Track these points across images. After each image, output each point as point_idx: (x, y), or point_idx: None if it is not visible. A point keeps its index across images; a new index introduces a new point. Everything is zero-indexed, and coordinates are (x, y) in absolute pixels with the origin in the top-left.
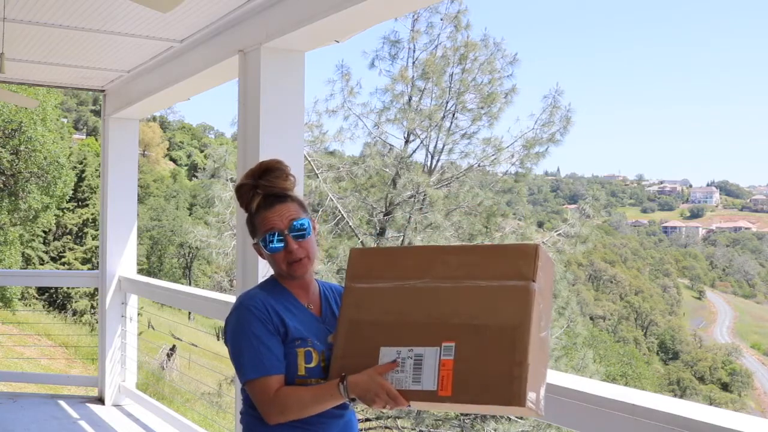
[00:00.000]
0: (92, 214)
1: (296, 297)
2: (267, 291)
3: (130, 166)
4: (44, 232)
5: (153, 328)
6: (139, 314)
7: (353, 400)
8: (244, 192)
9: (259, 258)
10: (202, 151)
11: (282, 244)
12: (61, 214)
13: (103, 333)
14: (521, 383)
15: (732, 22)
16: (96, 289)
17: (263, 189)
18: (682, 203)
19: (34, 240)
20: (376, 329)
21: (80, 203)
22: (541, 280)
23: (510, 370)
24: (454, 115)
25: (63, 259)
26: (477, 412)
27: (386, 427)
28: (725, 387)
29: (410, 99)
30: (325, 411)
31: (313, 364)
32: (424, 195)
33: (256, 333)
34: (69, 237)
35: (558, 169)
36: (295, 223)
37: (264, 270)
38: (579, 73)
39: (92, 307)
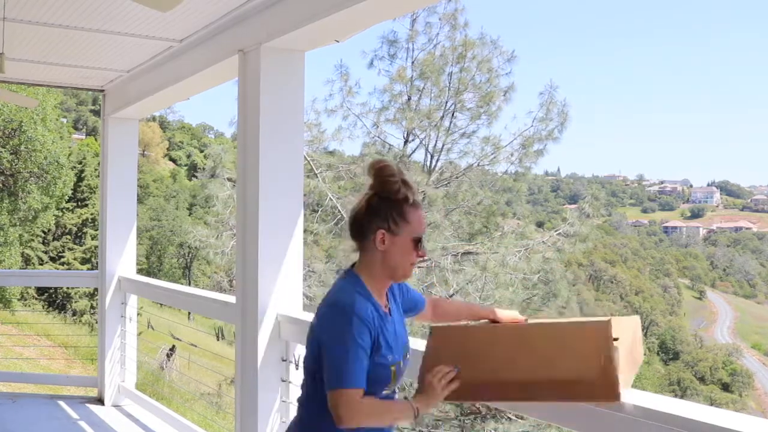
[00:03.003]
0: (92, 214)
1: (378, 302)
2: (366, 298)
3: (129, 166)
4: (44, 232)
5: (153, 329)
6: (138, 314)
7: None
8: (393, 177)
9: (259, 258)
10: (201, 151)
11: (421, 247)
12: (60, 214)
13: (103, 333)
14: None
15: (732, 22)
16: (95, 289)
17: (413, 190)
18: (683, 203)
19: (33, 240)
20: None
21: (80, 203)
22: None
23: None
24: (453, 114)
25: (62, 259)
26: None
27: None
28: (726, 387)
29: (409, 98)
30: None
31: (392, 380)
32: (424, 194)
33: (362, 345)
34: (68, 237)
35: (558, 169)
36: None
37: (264, 270)
38: (579, 72)
39: (92, 307)
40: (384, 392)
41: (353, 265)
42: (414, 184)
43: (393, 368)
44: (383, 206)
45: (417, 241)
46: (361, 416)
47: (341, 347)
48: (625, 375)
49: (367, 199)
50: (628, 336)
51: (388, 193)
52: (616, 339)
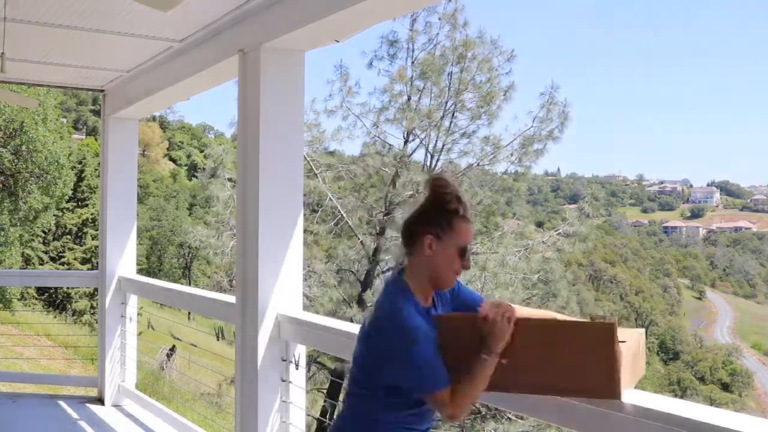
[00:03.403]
0: (92, 214)
1: (422, 303)
2: (412, 305)
3: (129, 166)
4: (44, 232)
5: (153, 328)
6: (138, 314)
7: (503, 355)
8: (447, 189)
9: (259, 258)
10: (201, 151)
11: (465, 257)
12: (60, 214)
13: (103, 333)
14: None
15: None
16: (96, 289)
17: (465, 204)
18: (683, 203)
19: (33, 240)
20: None
21: (80, 203)
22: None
23: None
24: (453, 114)
25: (63, 259)
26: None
27: None
28: (726, 387)
29: (409, 98)
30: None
31: None
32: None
33: (430, 343)
34: (69, 237)
35: (558, 169)
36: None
37: (264, 270)
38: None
39: (92, 307)
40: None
41: (402, 270)
42: (467, 201)
43: None
44: (434, 214)
45: (462, 251)
46: (462, 404)
47: (424, 354)
48: (626, 379)
49: (420, 206)
50: (632, 345)
51: (440, 203)
52: (622, 341)
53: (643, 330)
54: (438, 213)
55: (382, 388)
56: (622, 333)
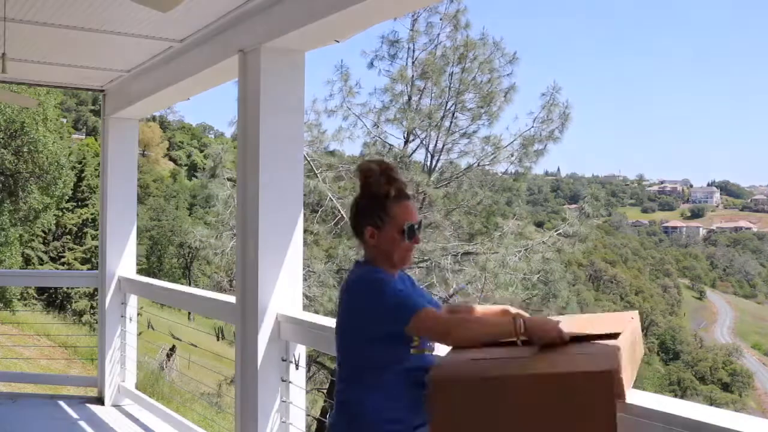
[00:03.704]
0: (92, 214)
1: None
2: (388, 274)
3: (129, 166)
4: (44, 232)
5: (153, 329)
6: (138, 314)
7: (523, 340)
8: (376, 175)
9: (259, 258)
10: (201, 151)
11: (413, 236)
12: (60, 214)
13: (103, 333)
14: None
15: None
16: (95, 289)
17: (397, 181)
18: (683, 203)
19: (33, 240)
20: None
21: (80, 203)
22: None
23: None
24: (453, 114)
25: (63, 259)
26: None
27: None
28: (726, 387)
29: (410, 98)
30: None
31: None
32: (424, 194)
33: (401, 288)
34: (69, 237)
35: (558, 169)
36: (420, 220)
37: (264, 270)
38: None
39: (92, 307)
40: (412, 352)
41: (364, 262)
42: (398, 176)
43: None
44: (368, 205)
45: (406, 230)
46: (455, 322)
47: (390, 295)
48: (627, 374)
49: (355, 201)
50: (628, 335)
51: (370, 192)
52: (616, 333)
53: (635, 312)
54: (371, 202)
55: (368, 358)
56: (614, 321)
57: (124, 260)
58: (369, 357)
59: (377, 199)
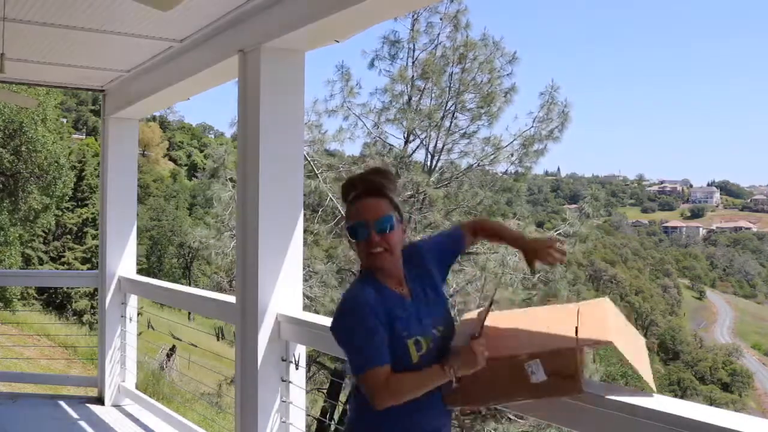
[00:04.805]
0: (92, 214)
1: (388, 286)
2: (368, 285)
3: (129, 166)
4: (44, 232)
5: (153, 328)
6: (139, 314)
7: (458, 379)
8: (346, 185)
9: (259, 258)
10: (201, 151)
11: (365, 235)
12: (60, 213)
13: (103, 333)
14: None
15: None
16: (95, 289)
17: (363, 184)
18: (683, 203)
19: (34, 240)
20: None
21: (80, 203)
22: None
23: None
24: (453, 114)
25: (63, 259)
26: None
27: None
28: (726, 387)
29: (410, 99)
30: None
31: (424, 351)
32: (424, 194)
33: (369, 326)
34: (69, 237)
35: (558, 169)
36: (381, 217)
37: (264, 270)
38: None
39: (92, 307)
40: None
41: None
42: (360, 178)
43: (410, 342)
44: (345, 215)
45: (354, 232)
46: (388, 392)
47: (353, 336)
48: (641, 366)
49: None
50: (612, 324)
51: (345, 203)
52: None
53: (604, 299)
54: (346, 211)
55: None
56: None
57: (124, 260)
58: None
59: (347, 207)
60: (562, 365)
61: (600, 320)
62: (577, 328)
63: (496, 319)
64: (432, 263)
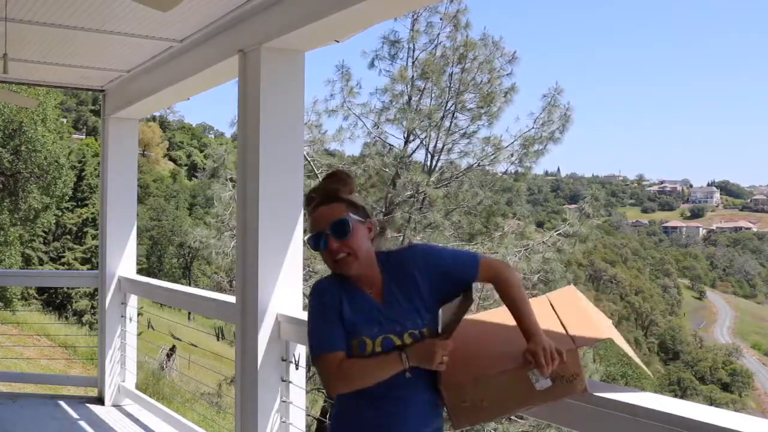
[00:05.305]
0: (92, 214)
1: (356, 285)
2: (334, 277)
3: (129, 166)
4: (44, 232)
5: (153, 329)
6: (139, 314)
7: (413, 368)
8: (306, 198)
9: (259, 258)
10: (201, 151)
11: (323, 244)
12: (60, 214)
13: (103, 333)
14: None
15: (733, 23)
16: (95, 289)
17: (318, 193)
18: (683, 203)
19: (34, 240)
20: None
21: (80, 203)
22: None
23: None
24: (453, 114)
25: (63, 259)
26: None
27: None
28: (726, 387)
29: (410, 99)
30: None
31: (366, 353)
32: (424, 195)
33: (322, 313)
34: (69, 237)
35: (558, 169)
36: (333, 223)
37: (264, 270)
38: (580, 72)
39: (92, 307)
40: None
41: None
42: (315, 189)
43: (355, 343)
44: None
45: (312, 242)
46: (340, 378)
47: (310, 321)
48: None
49: None
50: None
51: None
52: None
53: (569, 287)
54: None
55: None
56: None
57: (124, 260)
58: None
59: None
60: (565, 367)
61: (583, 316)
62: (565, 328)
63: (476, 320)
64: (422, 272)
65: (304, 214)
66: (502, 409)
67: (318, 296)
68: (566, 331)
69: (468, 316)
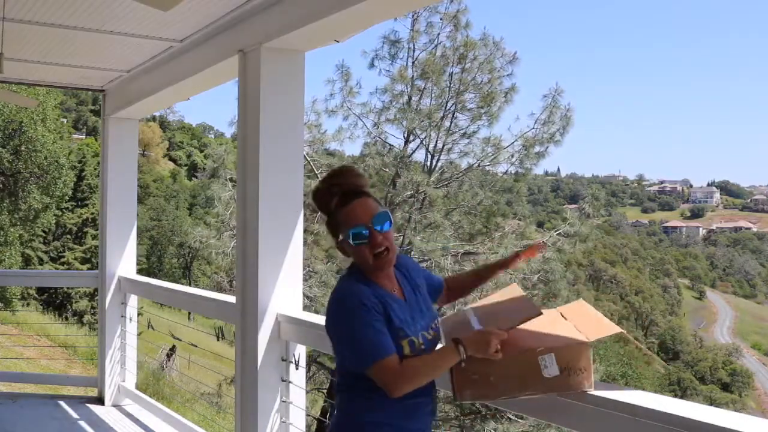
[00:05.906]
0: (92, 214)
1: (383, 287)
2: (360, 282)
3: (129, 166)
4: (44, 232)
5: (153, 329)
6: (139, 314)
7: (469, 357)
8: (321, 195)
9: (259, 258)
10: (201, 151)
11: (367, 238)
12: (60, 213)
13: (103, 333)
14: None
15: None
16: (95, 289)
17: (340, 188)
18: (683, 203)
19: (34, 240)
20: None
21: (80, 203)
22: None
23: None
24: (453, 114)
25: (62, 259)
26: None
27: None
28: (726, 387)
29: (410, 99)
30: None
31: (416, 351)
32: (424, 195)
33: (370, 320)
34: (68, 237)
35: (558, 169)
36: (377, 215)
37: (264, 270)
38: (580, 72)
39: (92, 307)
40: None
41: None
42: (342, 180)
43: (405, 342)
44: (328, 224)
45: (356, 236)
46: (405, 379)
47: (354, 331)
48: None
49: (325, 222)
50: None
51: (326, 213)
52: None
53: (580, 301)
54: (328, 221)
55: (353, 376)
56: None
57: (124, 260)
58: (343, 365)
59: (329, 216)
60: (576, 360)
61: (594, 318)
62: (577, 329)
63: (495, 302)
64: (420, 276)
65: (304, 214)
66: (507, 389)
67: (358, 301)
68: (578, 330)
69: (481, 301)
